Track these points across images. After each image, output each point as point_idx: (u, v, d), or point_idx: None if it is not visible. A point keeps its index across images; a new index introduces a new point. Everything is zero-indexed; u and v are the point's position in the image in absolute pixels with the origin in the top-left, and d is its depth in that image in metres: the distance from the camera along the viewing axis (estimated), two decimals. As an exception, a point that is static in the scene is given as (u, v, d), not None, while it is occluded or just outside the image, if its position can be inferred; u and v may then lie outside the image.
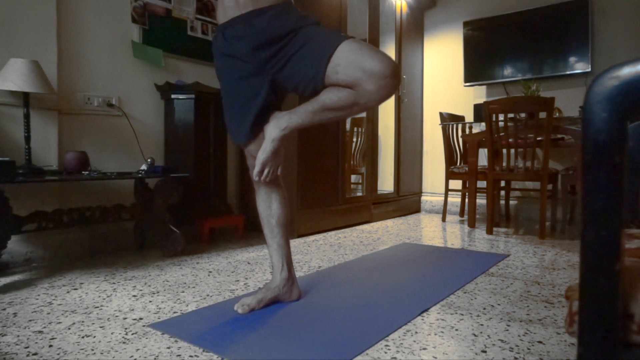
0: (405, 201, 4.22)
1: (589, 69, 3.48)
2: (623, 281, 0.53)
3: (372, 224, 3.59)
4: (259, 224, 1.65)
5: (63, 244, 2.30)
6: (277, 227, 1.59)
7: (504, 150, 3.05)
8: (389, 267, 2.17)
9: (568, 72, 3.59)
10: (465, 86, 4.16)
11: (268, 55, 1.38)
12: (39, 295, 1.69)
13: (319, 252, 2.51)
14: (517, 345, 1.26)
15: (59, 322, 1.41)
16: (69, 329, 1.36)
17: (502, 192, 3.81)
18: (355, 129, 3.90)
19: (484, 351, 1.22)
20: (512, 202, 3.96)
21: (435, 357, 1.19)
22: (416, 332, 1.36)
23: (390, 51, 3.96)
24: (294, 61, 1.36)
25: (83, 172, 2.12)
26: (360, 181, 3.88)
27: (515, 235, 3.09)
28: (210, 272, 2.06)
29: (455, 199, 4.15)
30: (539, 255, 2.44)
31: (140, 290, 1.77)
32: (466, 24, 4.11)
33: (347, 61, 1.26)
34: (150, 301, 1.63)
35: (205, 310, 1.54)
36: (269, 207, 1.59)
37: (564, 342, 1.29)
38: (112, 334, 1.32)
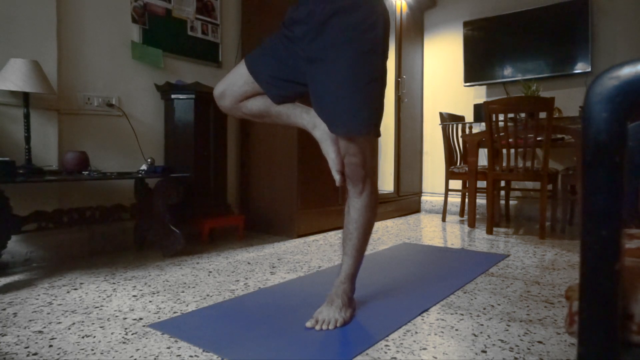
0: (405, 201, 4.22)
1: (589, 69, 3.48)
2: (623, 281, 0.53)
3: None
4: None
5: (63, 244, 2.30)
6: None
7: (504, 150, 3.05)
8: (389, 267, 2.17)
9: (568, 72, 3.59)
10: (465, 86, 4.15)
11: (316, 47, 1.32)
12: (39, 295, 1.69)
13: (319, 252, 2.51)
14: (517, 345, 1.26)
15: (59, 322, 1.41)
16: (69, 329, 1.36)
17: (502, 192, 3.81)
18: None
19: (484, 351, 1.22)
20: (512, 202, 3.96)
21: (435, 357, 1.19)
22: (416, 332, 1.36)
23: (390, 51, 3.96)
24: (318, 73, 1.32)
25: (83, 172, 2.12)
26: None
27: (515, 235, 3.09)
28: (210, 272, 2.06)
29: (455, 199, 4.15)
30: (539, 255, 2.44)
31: (140, 290, 1.77)
32: (466, 24, 4.11)
33: (350, 162, 1.37)
34: (150, 301, 1.63)
35: (205, 310, 1.54)
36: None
37: (564, 342, 1.29)
38: (112, 334, 1.32)
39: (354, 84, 1.29)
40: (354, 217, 1.44)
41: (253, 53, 1.47)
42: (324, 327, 1.36)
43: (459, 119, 4.02)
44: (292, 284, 1.86)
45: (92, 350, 1.21)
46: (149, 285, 1.83)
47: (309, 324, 1.38)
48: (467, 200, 3.64)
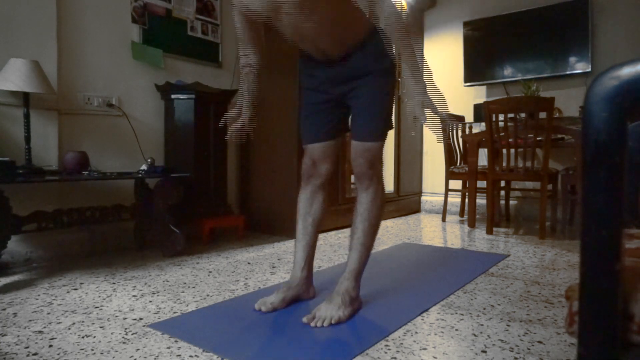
0: (405, 201, 4.22)
1: (589, 69, 3.47)
2: (623, 281, 0.53)
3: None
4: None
5: (63, 244, 2.30)
6: (311, 227, 1.61)
7: (504, 150, 3.05)
8: (389, 267, 2.17)
9: (568, 72, 3.59)
10: (465, 86, 4.15)
11: (344, 91, 1.50)
12: (39, 295, 1.69)
13: (319, 252, 2.51)
14: (517, 345, 1.26)
15: (59, 322, 1.41)
16: (69, 329, 1.36)
17: (502, 192, 3.80)
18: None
19: (484, 351, 1.22)
20: (512, 202, 3.96)
21: (435, 357, 1.19)
22: (416, 332, 1.36)
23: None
24: (359, 105, 1.49)
25: (83, 172, 2.12)
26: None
27: (515, 235, 3.09)
28: (210, 272, 2.06)
29: (455, 199, 4.15)
30: (539, 255, 2.44)
31: (140, 290, 1.77)
32: (466, 24, 4.11)
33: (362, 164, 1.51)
34: (150, 301, 1.63)
35: (205, 310, 1.54)
36: (310, 205, 1.62)
37: (564, 342, 1.29)
38: (112, 334, 1.32)
39: (380, 106, 1.49)
40: (359, 211, 1.51)
41: (303, 134, 1.63)
42: (318, 324, 1.38)
43: (459, 119, 4.02)
44: (292, 284, 1.86)
45: (92, 350, 1.21)
46: (149, 285, 1.83)
47: (305, 320, 1.41)
48: (467, 200, 3.64)
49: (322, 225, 1.66)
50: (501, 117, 3.03)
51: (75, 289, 1.77)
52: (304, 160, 1.64)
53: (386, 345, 1.26)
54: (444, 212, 3.78)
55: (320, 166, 1.60)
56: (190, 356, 1.18)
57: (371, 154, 1.49)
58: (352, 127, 1.54)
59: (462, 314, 1.52)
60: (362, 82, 1.46)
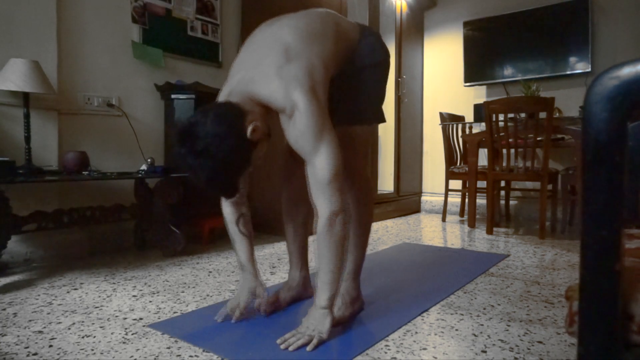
0: (405, 201, 4.22)
1: (589, 69, 3.48)
2: (623, 281, 0.53)
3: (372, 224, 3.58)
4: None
5: (63, 244, 2.30)
6: (301, 228, 1.59)
7: (504, 150, 3.05)
8: (389, 267, 2.17)
9: (568, 72, 3.59)
10: (465, 86, 4.15)
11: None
12: (39, 295, 1.69)
13: (319, 252, 2.50)
14: (517, 345, 1.26)
15: (59, 322, 1.41)
16: (69, 329, 1.36)
17: (502, 192, 3.81)
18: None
19: (484, 351, 1.22)
20: (512, 202, 3.96)
21: (435, 357, 1.19)
22: (416, 332, 1.36)
23: (390, 51, 3.96)
24: (348, 91, 1.45)
25: (83, 172, 2.12)
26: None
27: (515, 235, 3.09)
28: (210, 272, 2.06)
29: (455, 199, 4.15)
30: (539, 255, 2.44)
31: (140, 290, 1.77)
32: (466, 24, 4.11)
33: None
34: (150, 301, 1.63)
35: (205, 310, 1.54)
36: (295, 206, 1.58)
37: (564, 342, 1.29)
38: (112, 334, 1.32)
39: (375, 96, 1.49)
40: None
41: None
42: None
43: (459, 119, 4.02)
44: (292, 284, 1.86)
45: (92, 350, 1.21)
46: (149, 285, 1.83)
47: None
48: (467, 200, 3.64)
49: (312, 227, 1.55)
50: (501, 117, 3.03)
51: (75, 289, 1.77)
52: (282, 154, 1.56)
53: (386, 345, 1.26)
54: (444, 212, 3.78)
55: (297, 157, 1.47)
56: (190, 356, 1.18)
57: (358, 140, 1.43)
58: (337, 111, 1.41)
59: (462, 314, 1.52)
60: (353, 74, 1.43)
